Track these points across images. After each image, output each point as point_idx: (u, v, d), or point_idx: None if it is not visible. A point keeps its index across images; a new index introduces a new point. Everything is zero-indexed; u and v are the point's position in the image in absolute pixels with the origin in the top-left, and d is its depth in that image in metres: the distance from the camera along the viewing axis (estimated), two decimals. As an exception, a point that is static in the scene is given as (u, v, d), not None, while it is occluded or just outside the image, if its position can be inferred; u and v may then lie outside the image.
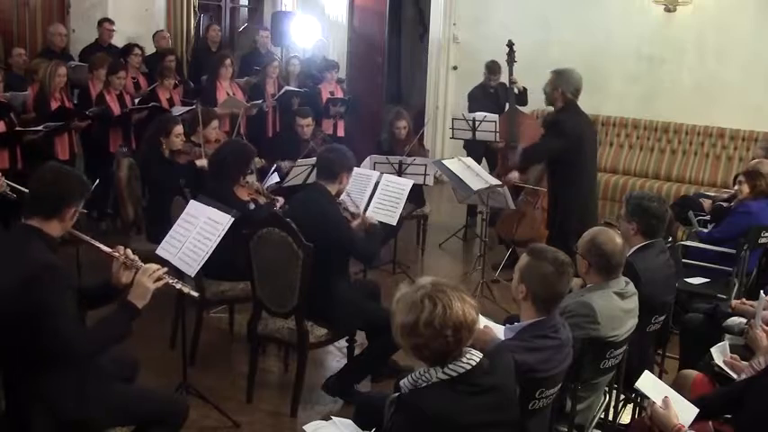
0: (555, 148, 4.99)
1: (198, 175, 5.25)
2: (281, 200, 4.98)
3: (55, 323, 2.56)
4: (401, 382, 2.30)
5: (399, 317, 2.21)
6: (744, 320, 3.68)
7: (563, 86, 4.94)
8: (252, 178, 5.23)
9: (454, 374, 2.20)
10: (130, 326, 2.80)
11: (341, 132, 8.28)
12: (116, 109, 6.78)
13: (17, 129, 5.86)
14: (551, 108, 5.55)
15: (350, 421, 2.74)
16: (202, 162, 5.28)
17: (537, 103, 7.56)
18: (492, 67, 7.58)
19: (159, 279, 2.83)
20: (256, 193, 4.88)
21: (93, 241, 2.90)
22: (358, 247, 4.08)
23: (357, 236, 4.11)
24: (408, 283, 2.33)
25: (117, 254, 2.88)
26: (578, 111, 5.07)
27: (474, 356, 2.24)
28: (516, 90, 7.14)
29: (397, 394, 2.31)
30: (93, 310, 2.95)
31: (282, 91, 7.66)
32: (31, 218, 2.72)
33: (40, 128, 5.94)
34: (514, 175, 6.34)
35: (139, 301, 2.78)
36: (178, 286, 2.97)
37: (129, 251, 2.90)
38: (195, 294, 3.10)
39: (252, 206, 4.73)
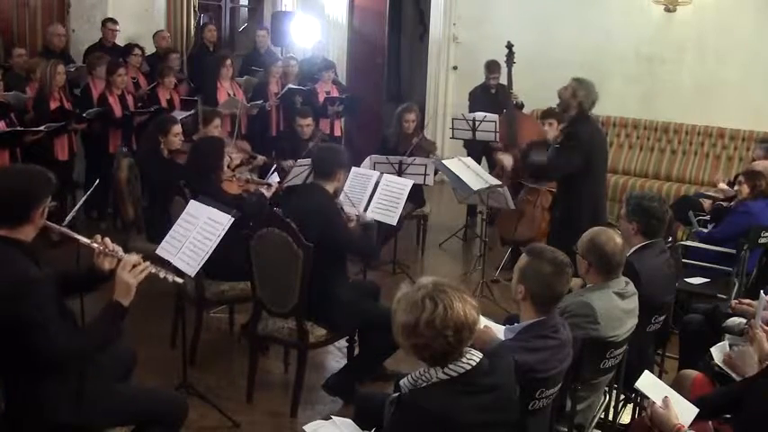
0: (576, 162, 4.93)
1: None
2: (273, 182, 4.93)
3: (43, 337, 2.52)
4: (401, 382, 2.30)
5: (400, 317, 2.21)
6: (744, 320, 3.68)
7: (582, 97, 4.85)
8: (241, 170, 5.21)
9: (454, 374, 2.20)
10: (121, 325, 2.75)
11: (338, 132, 8.29)
12: (118, 110, 6.79)
13: (19, 129, 5.86)
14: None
15: (350, 421, 2.74)
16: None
17: (535, 102, 7.59)
18: (491, 66, 7.58)
19: (141, 272, 2.73)
20: (246, 183, 4.87)
21: (68, 232, 2.83)
22: (355, 245, 4.07)
23: (354, 234, 4.10)
24: (409, 283, 2.33)
25: (95, 244, 2.80)
26: (590, 119, 5.05)
27: (474, 357, 2.24)
28: (515, 102, 7.15)
29: (397, 394, 2.31)
30: (76, 294, 2.88)
31: (285, 89, 7.67)
32: (0, 228, 2.60)
33: (41, 128, 5.94)
34: (508, 160, 6.22)
35: (124, 298, 2.71)
36: (161, 275, 2.86)
37: (107, 240, 2.82)
38: (180, 280, 2.99)
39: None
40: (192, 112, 6.80)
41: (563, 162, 5.00)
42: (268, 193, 4.89)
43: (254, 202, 4.71)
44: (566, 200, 5.16)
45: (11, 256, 2.57)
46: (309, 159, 5.41)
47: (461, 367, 2.20)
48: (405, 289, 2.26)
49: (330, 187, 4.05)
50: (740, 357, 3.24)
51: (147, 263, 2.78)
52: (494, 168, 6.91)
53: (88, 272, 2.89)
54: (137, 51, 7.57)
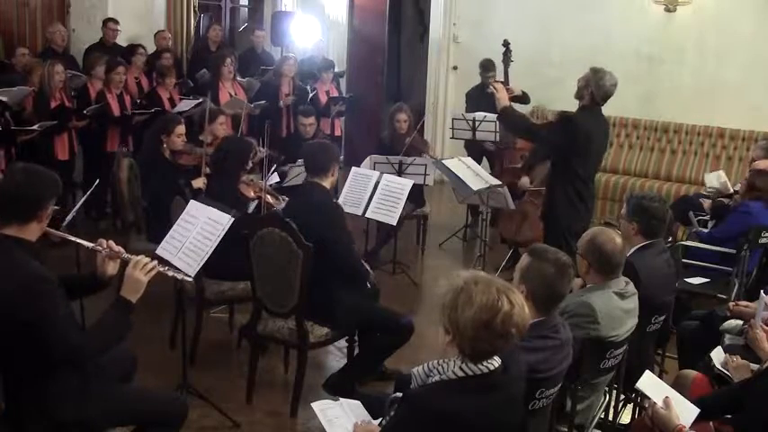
0: (551, 138, 4.85)
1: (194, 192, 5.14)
2: (286, 199, 4.95)
3: (57, 333, 2.54)
4: (413, 370, 2.29)
5: (471, 312, 2.14)
6: (740, 322, 3.68)
7: (593, 88, 4.76)
8: (256, 177, 5.21)
9: (470, 373, 2.18)
10: (129, 322, 2.76)
11: (338, 132, 8.27)
12: (116, 108, 6.79)
13: (12, 128, 5.85)
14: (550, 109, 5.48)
15: (357, 403, 2.71)
16: (199, 183, 5.15)
17: (536, 102, 7.59)
18: (486, 65, 7.56)
19: (151, 270, 2.76)
20: (260, 191, 4.88)
21: (72, 237, 2.86)
22: (352, 258, 3.98)
23: (353, 246, 4.04)
24: (448, 277, 2.25)
25: (99, 248, 2.82)
26: (597, 115, 4.90)
27: (495, 360, 2.22)
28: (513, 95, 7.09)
29: (398, 394, 2.31)
30: (75, 299, 2.91)
31: (295, 95, 7.66)
32: (8, 226, 2.62)
33: (35, 127, 5.93)
34: (526, 181, 6.31)
35: (133, 295, 2.73)
36: (170, 274, 2.90)
37: (111, 243, 2.84)
38: (189, 278, 3.05)
39: (254, 204, 4.73)
40: (200, 101, 6.76)
41: (542, 133, 4.93)
42: (279, 205, 4.88)
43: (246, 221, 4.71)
44: (547, 196, 5.13)
45: (19, 255, 2.60)
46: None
47: (480, 369, 2.18)
48: (470, 284, 2.18)
49: (327, 183, 4.01)
50: (738, 370, 3.23)
51: (155, 262, 2.80)
52: (493, 168, 6.93)
53: (90, 277, 2.90)
54: (141, 51, 7.56)
